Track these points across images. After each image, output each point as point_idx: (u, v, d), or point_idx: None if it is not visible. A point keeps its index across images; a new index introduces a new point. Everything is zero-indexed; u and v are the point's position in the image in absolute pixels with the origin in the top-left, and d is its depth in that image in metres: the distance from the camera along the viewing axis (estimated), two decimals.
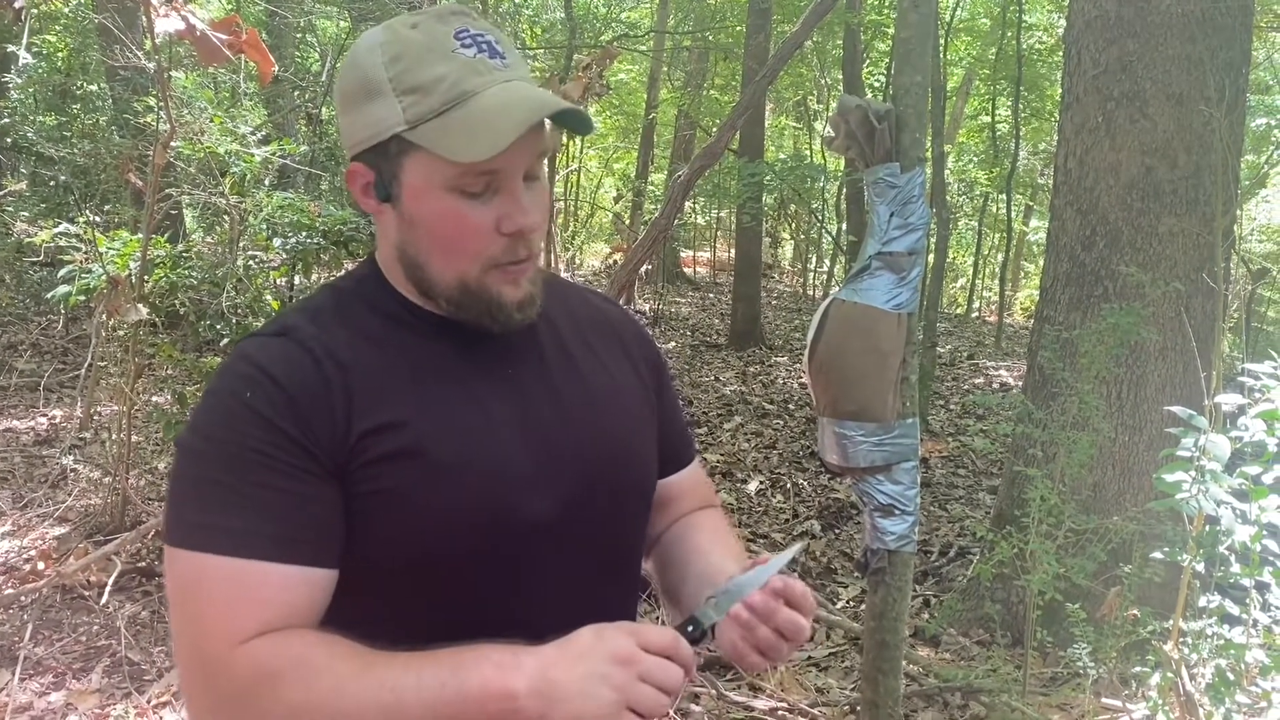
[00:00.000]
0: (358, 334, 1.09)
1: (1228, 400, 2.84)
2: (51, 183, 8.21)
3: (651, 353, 1.35)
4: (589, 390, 1.21)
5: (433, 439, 1.05)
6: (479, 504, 1.06)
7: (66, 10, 8.70)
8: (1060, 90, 4.52)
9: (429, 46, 1.04)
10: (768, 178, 9.78)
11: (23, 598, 3.85)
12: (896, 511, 2.27)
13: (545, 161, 1.13)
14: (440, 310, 1.13)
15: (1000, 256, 15.15)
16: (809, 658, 4.00)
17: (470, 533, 1.06)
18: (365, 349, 1.08)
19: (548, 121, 1.07)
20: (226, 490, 0.98)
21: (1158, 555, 2.88)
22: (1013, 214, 12.87)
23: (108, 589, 3.88)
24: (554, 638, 1.00)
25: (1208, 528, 2.82)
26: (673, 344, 10.59)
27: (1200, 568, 2.85)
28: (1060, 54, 4.92)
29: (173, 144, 4.24)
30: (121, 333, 4.52)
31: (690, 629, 1.01)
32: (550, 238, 9.10)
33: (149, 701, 3.30)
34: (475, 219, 1.05)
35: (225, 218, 4.69)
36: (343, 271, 6.08)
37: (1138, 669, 3.17)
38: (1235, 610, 2.79)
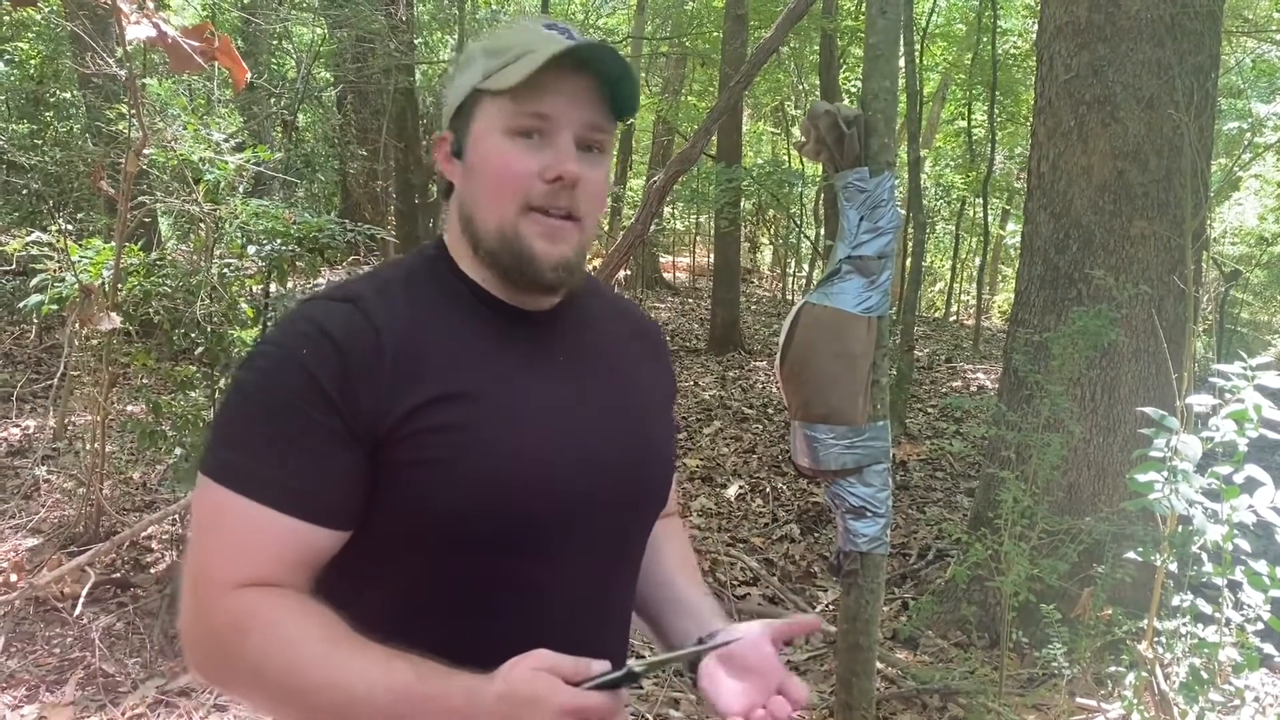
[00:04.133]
0: (422, 309, 1.14)
1: (1199, 401, 2.87)
2: (24, 191, 8.14)
3: (669, 359, 1.44)
4: (633, 388, 1.28)
5: (482, 415, 1.10)
6: (521, 483, 1.10)
7: (39, 18, 8.64)
8: (1034, 95, 4.56)
9: (521, 28, 1.18)
10: (745, 183, 9.82)
11: None
12: (868, 514, 2.28)
13: (607, 139, 1.18)
14: (495, 288, 1.18)
15: (977, 260, 15.23)
16: (787, 661, 4.00)
17: (509, 509, 1.10)
18: (426, 324, 1.13)
19: (605, 98, 1.15)
20: (260, 436, 1.05)
21: (1131, 555, 2.90)
22: (989, 218, 12.94)
23: (81, 600, 3.84)
24: (565, 620, 1.13)
25: (1180, 527, 2.84)
26: None
27: (1173, 567, 2.87)
28: (1034, 59, 4.96)
29: (145, 151, 4.20)
30: (95, 342, 4.48)
31: (624, 675, 1.03)
32: None
33: (124, 714, 3.27)
34: (521, 160, 1.12)
35: (200, 225, 4.65)
36: (320, 280, 6.06)
37: (1113, 669, 3.20)
38: (1208, 609, 2.81)
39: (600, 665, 1.00)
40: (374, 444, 1.07)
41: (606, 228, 14.87)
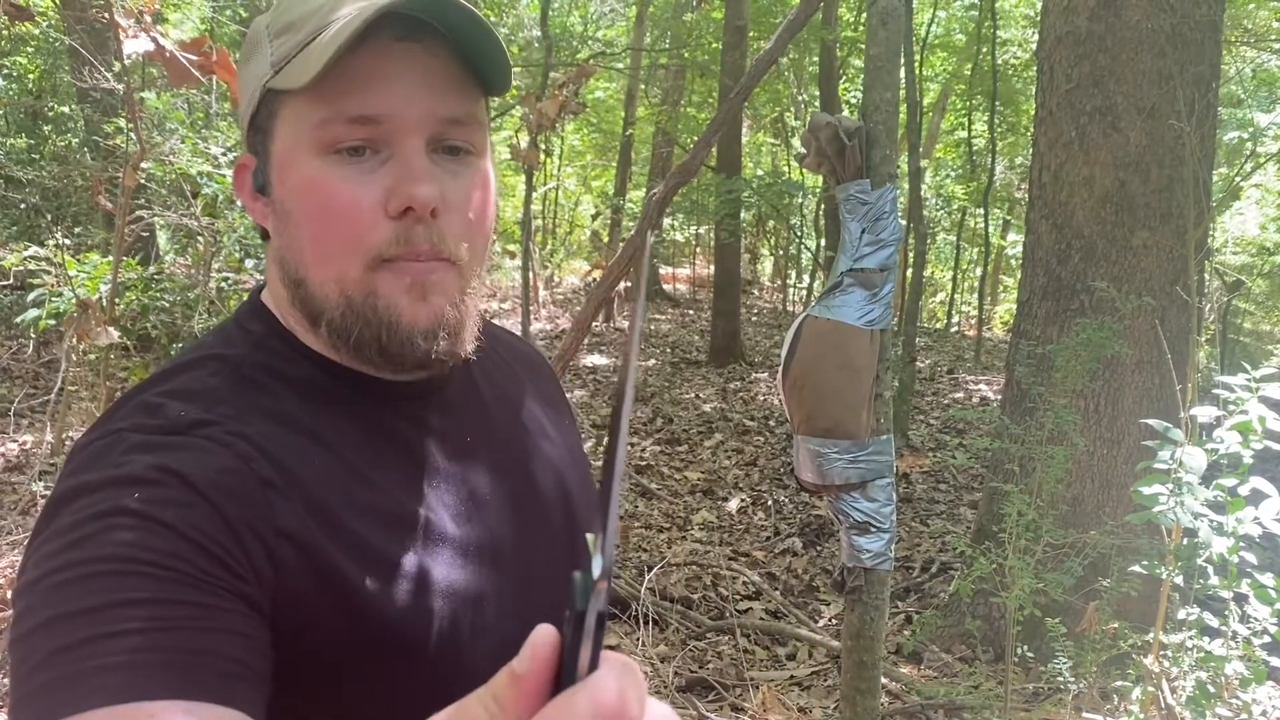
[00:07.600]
0: (276, 421, 0.79)
1: (1203, 413, 2.85)
2: (22, 205, 8.14)
3: (568, 400, 1.13)
4: (560, 477, 0.98)
5: (377, 586, 0.77)
6: (430, 680, 0.79)
7: (37, 32, 8.66)
8: (1034, 105, 4.55)
9: None
10: (746, 194, 9.82)
11: None
12: (873, 529, 2.25)
13: (479, 133, 0.84)
14: (359, 362, 0.85)
15: (979, 271, 15.23)
16: (791, 677, 3.97)
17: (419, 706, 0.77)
18: (293, 443, 0.78)
19: (464, 69, 0.81)
20: (103, 617, 0.64)
21: (1136, 568, 2.87)
22: (990, 228, 12.94)
23: None
24: None
25: (1185, 540, 2.82)
26: (653, 361, 10.57)
27: (1179, 580, 2.85)
28: (1034, 69, 4.95)
29: (143, 165, 4.20)
30: (92, 356, 4.48)
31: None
32: (528, 254, 9.04)
33: None
34: (350, 191, 0.78)
35: (198, 239, 4.64)
36: None
37: (1119, 683, 3.16)
38: (1214, 622, 2.79)
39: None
40: (271, 612, 0.72)
41: (606, 239, 14.88)
